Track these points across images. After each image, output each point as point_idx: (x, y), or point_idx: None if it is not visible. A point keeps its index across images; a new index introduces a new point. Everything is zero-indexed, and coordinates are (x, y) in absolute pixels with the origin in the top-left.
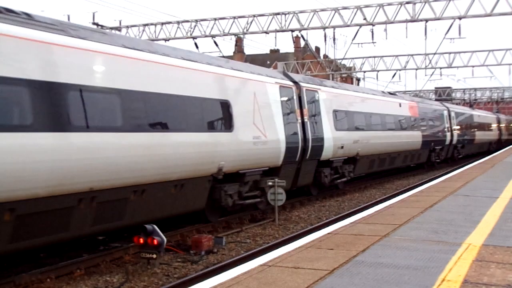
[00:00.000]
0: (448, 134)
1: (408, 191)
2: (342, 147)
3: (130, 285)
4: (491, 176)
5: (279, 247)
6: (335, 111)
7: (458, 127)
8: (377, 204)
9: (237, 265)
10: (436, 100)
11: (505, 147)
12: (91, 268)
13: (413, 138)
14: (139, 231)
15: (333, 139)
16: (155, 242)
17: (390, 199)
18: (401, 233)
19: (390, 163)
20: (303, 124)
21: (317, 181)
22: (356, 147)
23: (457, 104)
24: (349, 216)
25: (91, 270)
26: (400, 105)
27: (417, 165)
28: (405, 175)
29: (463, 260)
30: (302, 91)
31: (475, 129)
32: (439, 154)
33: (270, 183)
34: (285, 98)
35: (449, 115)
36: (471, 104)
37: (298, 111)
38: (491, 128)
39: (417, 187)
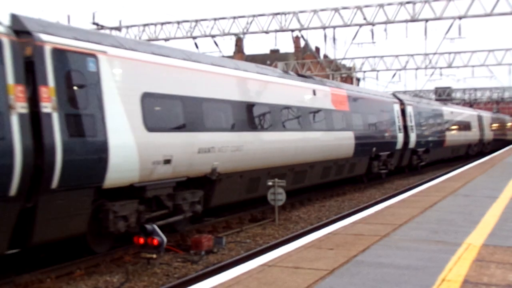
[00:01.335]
0: (401, 135)
1: (408, 191)
2: (167, 162)
3: (130, 285)
4: (491, 176)
5: (279, 247)
6: (145, 96)
7: (419, 126)
8: (377, 204)
9: (237, 265)
10: (436, 99)
11: (490, 150)
12: (91, 268)
13: (338, 141)
14: (139, 231)
15: (139, 147)
16: (155, 242)
17: (390, 199)
18: (401, 233)
19: (297, 181)
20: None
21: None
22: (209, 160)
23: (457, 104)
24: (349, 216)
25: (91, 270)
26: (314, 93)
27: (357, 178)
28: (405, 175)
29: (463, 260)
30: (42, 51)
31: (446, 129)
32: (387, 162)
33: (270, 183)
34: None
35: (404, 111)
36: (471, 104)
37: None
38: (470, 127)
39: (417, 187)
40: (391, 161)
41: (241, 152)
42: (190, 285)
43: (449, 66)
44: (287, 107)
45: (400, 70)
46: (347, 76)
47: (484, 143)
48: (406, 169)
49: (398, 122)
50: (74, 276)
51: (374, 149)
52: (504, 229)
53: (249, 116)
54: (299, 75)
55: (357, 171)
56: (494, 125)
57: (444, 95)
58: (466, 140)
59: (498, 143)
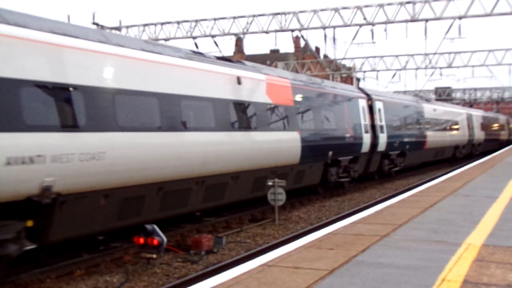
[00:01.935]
0: (367, 136)
1: (408, 191)
2: None
3: (130, 285)
4: (491, 176)
5: (279, 247)
6: None
7: (392, 125)
8: (377, 204)
9: (237, 265)
10: (437, 99)
11: (481, 152)
12: (91, 268)
13: (275, 144)
14: (139, 231)
15: None
16: (155, 242)
17: (390, 199)
18: (401, 233)
19: (210, 197)
20: None
21: None
22: (34, 174)
23: (457, 104)
24: (349, 216)
25: (91, 270)
26: (238, 81)
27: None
28: (405, 175)
29: (463, 260)
30: None
31: (428, 129)
32: (349, 168)
33: (270, 183)
34: None
35: (371, 107)
36: (471, 104)
37: None
38: (457, 127)
39: (417, 187)
40: (355, 166)
41: (102, 161)
42: (190, 285)
43: (449, 66)
44: (192, 98)
45: (400, 70)
46: (347, 76)
47: (474, 144)
48: (375, 175)
49: (365, 120)
50: (74, 276)
51: (330, 153)
52: (504, 229)
53: (123, 110)
54: (219, 58)
55: (308, 180)
56: (486, 124)
57: (444, 95)
58: (453, 141)
59: (490, 144)
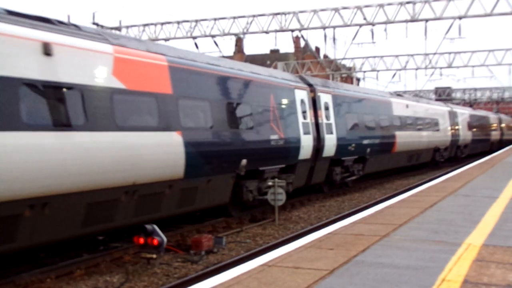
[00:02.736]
0: (308, 138)
1: (408, 191)
2: None
3: (130, 285)
4: (491, 176)
5: (279, 247)
6: None
7: (346, 124)
8: (377, 204)
9: (237, 265)
10: (436, 99)
11: (468, 154)
12: (91, 268)
13: (128, 151)
14: (139, 231)
15: None
16: (155, 242)
17: (390, 199)
18: (401, 233)
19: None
20: None
21: None
22: None
23: (457, 104)
24: (349, 216)
25: (91, 270)
26: (47, 51)
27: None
28: (405, 175)
29: (463, 260)
30: None
31: (398, 128)
32: (284, 182)
33: (270, 183)
34: None
35: (316, 102)
36: (471, 104)
37: None
38: (437, 126)
39: (417, 187)
40: (289, 178)
41: None
42: (190, 285)
43: (449, 66)
44: None
45: (400, 70)
46: (347, 76)
47: (460, 145)
48: (323, 187)
49: (304, 118)
50: (74, 276)
51: (244, 161)
52: (504, 229)
53: None
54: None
55: (206, 200)
56: (474, 123)
57: (444, 95)
58: (431, 143)
59: (479, 146)
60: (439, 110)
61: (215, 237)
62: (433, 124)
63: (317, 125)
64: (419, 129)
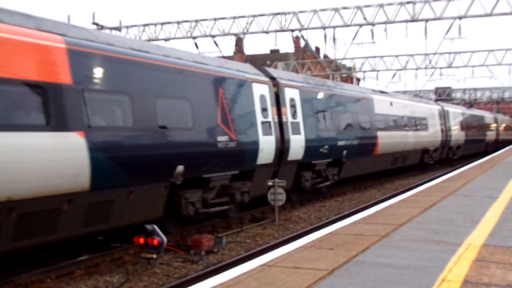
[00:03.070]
0: (269, 139)
1: (408, 191)
2: None
3: (130, 285)
4: (491, 176)
5: (279, 247)
6: None
7: (320, 123)
8: (377, 204)
9: (237, 265)
10: (436, 99)
11: (462, 157)
12: (91, 268)
13: None
14: (139, 231)
15: None
16: (155, 242)
17: (390, 199)
18: (401, 233)
19: None
20: None
21: None
22: None
23: (457, 104)
24: (349, 216)
25: (91, 270)
26: None
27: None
28: (405, 175)
29: (463, 260)
30: None
31: (380, 129)
32: (233, 191)
33: (270, 183)
34: None
35: (279, 97)
36: (471, 104)
37: None
38: (426, 126)
39: (417, 187)
40: (244, 186)
41: None
42: (190, 285)
43: (449, 66)
44: None
45: (400, 70)
46: (347, 76)
47: (452, 146)
48: (291, 195)
49: (264, 116)
50: (74, 276)
51: (180, 168)
52: (504, 229)
53: None
54: None
55: (123, 217)
56: (468, 123)
57: (444, 95)
58: (419, 144)
59: (473, 147)
60: (428, 108)
61: (215, 237)
62: (421, 124)
63: (281, 125)
64: (405, 129)
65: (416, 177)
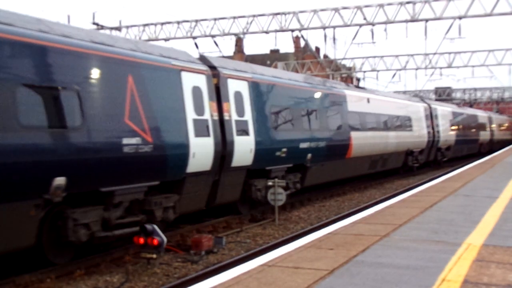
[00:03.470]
0: (205, 142)
1: (408, 191)
2: None
3: (130, 285)
4: (491, 176)
5: (279, 247)
6: None
7: (278, 122)
8: (377, 204)
9: (237, 265)
10: (436, 99)
11: (452, 159)
12: (91, 268)
13: None
14: (139, 231)
15: None
16: (155, 242)
17: (390, 199)
18: (401, 233)
19: None
20: None
21: None
22: None
23: (457, 104)
24: (349, 216)
25: (91, 270)
26: None
27: None
28: (405, 175)
29: (463, 260)
30: None
31: (353, 128)
32: (152, 207)
33: (270, 183)
34: None
35: (221, 91)
36: (471, 104)
37: None
38: (410, 125)
39: (417, 187)
40: (167, 201)
41: None
42: (190, 285)
43: (449, 66)
44: None
45: (400, 70)
46: (347, 76)
47: (440, 148)
48: (239, 207)
49: (198, 113)
50: (74, 276)
51: (60, 180)
52: (504, 229)
53: None
54: None
55: None
56: (459, 122)
57: (444, 95)
58: (401, 145)
59: (465, 148)
60: (413, 106)
61: (215, 237)
62: (405, 123)
63: (221, 123)
64: (385, 129)
65: (416, 177)
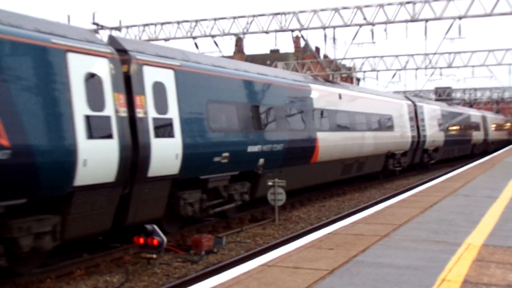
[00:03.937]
0: (103, 145)
1: (408, 191)
2: None
3: (130, 285)
4: (491, 176)
5: (279, 247)
6: None
7: (218, 120)
8: (377, 204)
9: (237, 265)
10: (436, 99)
11: (441, 161)
12: (91, 268)
13: None
14: (139, 231)
15: None
16: (155, 242)
17: (390, 199)
18: (401, 233)
19: None
20: None
21: None
22: None
23: (457, 104)
24: (349, 216)
25: (91, 270)
26: None
27: None
28: (405, 175)
29: (463, 260)
30: None
31: (320, 128)
32: (18, 235)
33: (270, 183)
34: None
35: (132, 81)
36: (471, 104)
37: None
38: (391, 125)
39: (417, 187)
40: (43, 226)
41: None
42: (190, 285)
43: (449, 66)
44: None
45: (400, 70)
46: (347, 76)
47: (427, 149)
48: (165, 227)
49: (94, 108)
50: (74, 276)
51: None
52: (504, 229)
53: None
54: None
55: None
56: (449, 122)
57: (444, 95)
58: (381, 147)
59: (455, 149)
60: (394, 103)
61: (215, 237)
62: (384, 122)
63: (132, 122)
64: (360, 129)
65: (416, 177)
